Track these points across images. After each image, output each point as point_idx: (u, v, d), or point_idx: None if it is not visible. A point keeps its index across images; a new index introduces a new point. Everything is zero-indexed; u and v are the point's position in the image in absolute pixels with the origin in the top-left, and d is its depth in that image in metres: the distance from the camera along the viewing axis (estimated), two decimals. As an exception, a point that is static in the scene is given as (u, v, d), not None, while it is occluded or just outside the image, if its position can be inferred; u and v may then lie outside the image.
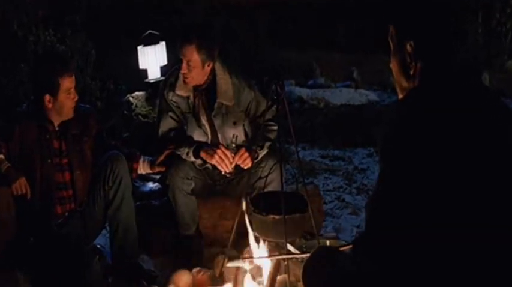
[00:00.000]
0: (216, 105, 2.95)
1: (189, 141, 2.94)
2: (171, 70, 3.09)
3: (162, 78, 4.64)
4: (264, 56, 8.09)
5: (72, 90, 2.68)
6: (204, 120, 2.96)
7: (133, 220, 2.83)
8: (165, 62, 4.75)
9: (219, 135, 2.99)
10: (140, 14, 6.75)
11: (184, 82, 2.91)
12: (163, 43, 4.76)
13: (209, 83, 2.95)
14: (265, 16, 8.54)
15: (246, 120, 3.04)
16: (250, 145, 2.98)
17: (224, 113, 2.98)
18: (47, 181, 2.67)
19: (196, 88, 2.96)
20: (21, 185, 2.53)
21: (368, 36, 8.92)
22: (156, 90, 4.51)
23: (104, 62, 5.63)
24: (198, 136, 2.99)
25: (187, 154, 2.91)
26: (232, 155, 2.86)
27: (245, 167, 2.89)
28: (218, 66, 2.95)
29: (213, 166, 3.00)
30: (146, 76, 4.83)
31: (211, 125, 2.99)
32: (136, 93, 4.91)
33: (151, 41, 4.70)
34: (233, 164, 2.87)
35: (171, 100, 2.99)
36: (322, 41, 9.28)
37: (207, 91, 2.97)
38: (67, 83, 2.64)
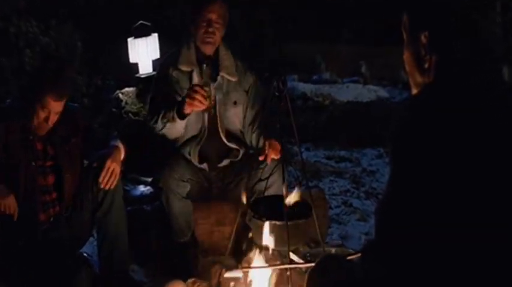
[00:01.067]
0: (218, 78, 3.01)
1: (171, 105, 2.94)
2: (170, 52, 3.15)
3: (154, 73, 4.65)
4: (265, 49, 8.10)
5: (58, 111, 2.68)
6: None
7: (124, 226, 2.82)
8: (158, 56, 4.75)
9: (218, 116, 3.00)
10: (134, 8, 6.76)
11: (207, 43, 2.97)
12: (155, 35, 4.75)
13: (213, 57, 3.04)
14: (267, 6, 8.54)
15: (246, 103, 3.08)
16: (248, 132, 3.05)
17: (225, 90, 3.03)
18: (31, 184, 2.67)
19: (202, 59, 3.02)
20: (9, 206, 2.53)
21: (378, 26, 8.93)
22: (147, 86, 4.50)
23: (92, 55, 5.63)
24: (194, 119, 2.99)
25: (173, 117, 2.91)
26: (205, 87, 2.82)
27: (276, 157, 2.88)
28: (221, 44, 3.05)
29: (210, 167, 3.00)
30: (137, 71, 4.83)
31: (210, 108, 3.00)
32: (126, 89, 4.91)
33: (143, 33, 4.70)
34: (207, 98, 2.81)
35: (171, 75, 3.04)
36: (327, 32, 9.28)
37: (210, 66, 3.04)
38: (56, 107, 2.64)
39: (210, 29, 2.96)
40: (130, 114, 4.71)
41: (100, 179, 2.67)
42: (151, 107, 3.05)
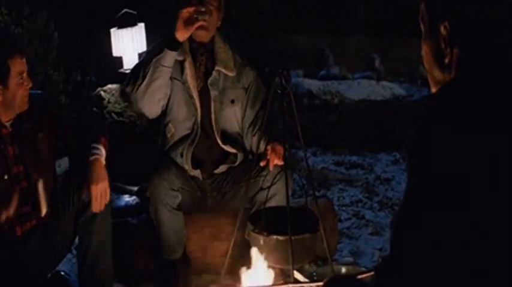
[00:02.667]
0: (213, 73, 3.02)
1: (154, 52, 2.95)
2: (160, 39, 3.13)
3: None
4: (267, 41, 8.10)
5: (25, 75, 2.68)
6: (195, 94, 2.99)
7: (109, 236, 2.83)
8: (144, 48, 4.75)
9: (212, 116, 3.02)
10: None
11: (201, 27, 2.93)
12: (141, 25, 4.75)
13: (208, 48, 3.04)
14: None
15: (245, 102, 3.09)
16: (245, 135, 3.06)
17: (222, 87, 3.04)
18: (5, 199, 2.66)
19: (196, 47, 3.02)
20: None
21: (393, 16, 8.94)
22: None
23: (70, 47, 5.64)
24: (186, 113, 3.00)
25: (166, 56, 2.89)
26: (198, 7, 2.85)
27: (279, 163, 2.89)
28: (217, 35, 3.05)
29: (204, 174, 3.01)
30: (121, 65, 4.83)
31: (203, 100, 3.02)
32: (109, 86, 4.90)
33: (128, 23, 4.69)
34: (207, 12, 2.86)
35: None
36: (336, 22, 9.29)
37: (206, 57, 3.04)
38: (18, 66, 2.63)
39: (202, 8, 2.92)
40: (113, 114, 4.70)
41: (93, 209, 2.71)
42: (129, 73, 3.02)
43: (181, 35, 2.86)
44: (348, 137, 5.70)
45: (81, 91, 5.37)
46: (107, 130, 2.96)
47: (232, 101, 3.06)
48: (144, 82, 2.90)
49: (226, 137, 3.07)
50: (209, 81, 3.01)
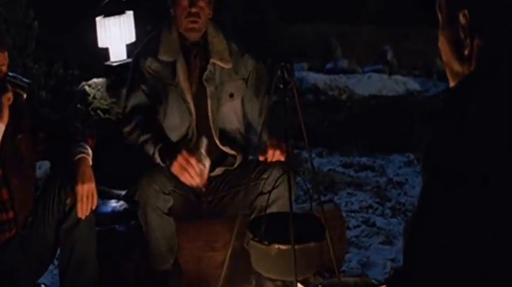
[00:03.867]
0: (208, 68, 3.05)
1: (157, 136, 2.97)
2: (148, 36, 3.21)
3: (129, 60, 4.64)
4: (268, 32, 8.10)
5: (5, 69, 2.68)
6: (189, 97, 3.01)
7: (93, 248, 2.84)
8: (133, 39, 4.75)
9: (210, 115, 3.03)
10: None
11: (191, 30, 3.03)
12: (130, 13, 4.75)
13: (201, 44, 3.09)
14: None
15: (248, 94, 3.11)
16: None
17: (219, 81, 3.06)
18: None
19: (188, 47, 3.07)
20: None
21: (407, 4, 8.94)
22: (120, 77, 4.49)
23: (51, 38, 5.64)
24: (180, 118, 3.01)
25: (153, 154, 2.94)
26: (200, 163, 2.84)
27: (281, 159, 2.90)
28: (210, 26, 3.11)
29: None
30: (107, 57, 4.83)
31: (199, 102, 3.03)
32: (94, 80, 4.90)
33: (115, 11, 4.69)
34: (201, 176, 2.85)
35: (150, 67, 3.08)
36: (345, 10, 9.29)
37: (198, 52, 3.09)
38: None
39: (193, 10, 3.01)
40: (99, 111, 4.70)
41: (78, 212, 2.71)
42: (127, 116, 3.09)
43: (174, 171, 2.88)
44: (357, 137, 5.71)
45: (64, 86, 5.37)
46: (94, 131, 2.97)
47: (231, 95, 3.08)
48: (137, 145, 3.01)
49: (225, 136, 3.08)
50: (204, 76, 3.03)
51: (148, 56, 3.08)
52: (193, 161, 2.83)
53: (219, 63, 3.06)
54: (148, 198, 2.89)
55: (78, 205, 2.70)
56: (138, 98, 3.08)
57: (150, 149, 2.96)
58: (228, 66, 3.07)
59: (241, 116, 3.13)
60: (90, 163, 2.79)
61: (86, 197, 2.71)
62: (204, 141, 2.89)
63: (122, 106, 3.18)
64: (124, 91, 3.25)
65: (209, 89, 3.04)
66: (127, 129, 3.06)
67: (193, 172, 2.83)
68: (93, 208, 2.75)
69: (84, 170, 2.74)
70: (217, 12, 3.16)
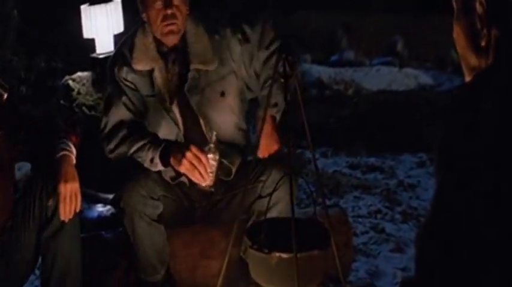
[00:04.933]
0: (190, 76, 2.99)
1: (153, 140, 2.95)
2: (122, 40, 3.15)
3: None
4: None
5: None
6: (172, 107, 2.99)
7: (77, 256, 2.84)
8: (121, 29, 4.75)
9: (202, 121, 3.00)
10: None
11: (169, 33, 2.95)
12: (118, 1, 4.76)
13: (180, 47, 3.02)
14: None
15: (240, 84, 3.06)
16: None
17: (204, 85, 3.01)
18: None
19: (166, 52, 3.01)
20: None
21: (418, -10, 8.94)
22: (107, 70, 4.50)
23: (32, 28, 5.64)
24: (165, 131, 3.00)
25: (152, 160, 2.92)
26: (211, 157, 2.84)
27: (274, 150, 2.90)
28: (188, 23, 3.02)
29: (189, 179, 3.01)
30: (93, 49, 4.83)
31: (185, 111, 3.00)
32: (79, 74, 4.90)
33: (101, -2, 4.70)
34: (212, 173, 2.85)
35: (126, 79, 3.02)
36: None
37: (176, 58, 3.03)
38: None
39: (169, 11, 2.90)
40: (84, 108, 4.71)
41: (60, 214, 2.70)
42: (109, 133, 3.04)
43: (180, 170, 2.87)
44: (365, 135, 5.71)
45: (46, 80, 5.37)
46: (79, 128, 2.97)
47: (222, 94, 3.03)
48: (128, 154, 2.99)
49: (222, 140, 3.03)
50: (186, 87, 2.98)
51: (123, 65, 3.02)
52: (203, 158, 2.81)
53: (201, 67, 2.99)
54: (134, 204, 2.88)
55: (61, 206, 2.70)
56: (119, 113, 3.03)
57: (148, 154, 2.92)
58: (212, 67, 3.00)
59: (239, 109, 3.10)
60: (74, 161, 2.79)
61: (69, 197, 2.71)
62: (214, 134, 2.87)
63: (101, 123, 3.09)
64: (103, 103, 3.21)
65: (193, 100, 2.99)
66: (111, 146, 3.02)
67: (203, 169, 2.81)
68: (77, 210, 2.74)
69: (66, 169, 2.73)
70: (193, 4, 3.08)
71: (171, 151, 2.89)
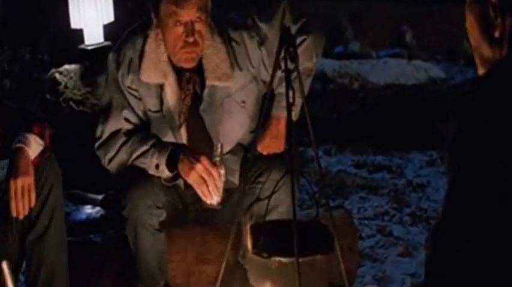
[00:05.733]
0: (206, 92, 2.93)
1: (158, 144, 2.91)
2: (128, 36, 3.04)
3: (107, 43, 4.63)
4: (267, 9, 8.10)
5: None
6: (179, 127, 2.95)
7: (64, 261, 2.83)
8: (111, 19, 4.75)
9: (213, 135, 2.95)
10: None
11: (188, 61, 2.86)
12: (108, -12, 4.75)
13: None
14: None
15: (260, 88, 3.01)
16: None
17: (222, 98, 2.95)
18: None
19: (180, 71, 2.93)
20: None
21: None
22: (96, 62, 4.49)
23: (17, 18, 5.63)
24: (163, 136, 2.98)
25: (158, 167, 2.88)
26: (221, 173, 2.80)
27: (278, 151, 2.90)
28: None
29: (186, 184, 3.00)
30: (81, 40, 4.83)
31: (194, 132, 2.99)
32: (66, 66, 4.90)
33: (90, -14, 4.70)
34: (220, 188, 2.82)
35: (130, 88, 2.97)
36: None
37: (191, 76, 2.95)
38: None
39: (190, 39, 2.79)
40: (71, 102, 4.70)
41: (12, 212, 2.67)
42: (106, 141, 2.98)
43: (187, 180, 2.84)
44: (371, 132, 5.71)
45: (31, 73, 5.36)
46: (46, 115, 2.92)
47: (244, 102, 2.99)
48: (119, 161, 2.95)
49: (231, 143, 3.02)
50: (201, 107, 2.93)
51: (129, 73, 2.94)
52: (215, 173, 2.76)
53: (218, 83, 2.92)
54: (140, 215, 2.85)
55: (12, 203, 2.66)
56: (118, 122, 2.98)
57: (153, 161, 2.87)
58: (229, 83, 2.93)
59: (256, 114, 3.04)
60: (29, 154, 2.72)
61: (21, 193, 2.68)
62: (219, 148, 2.81)
63: (97, 130, 3.03)
64: (101, 98, 3.16)
65: (207, 119, 2.95)
66: (110, 155, 2.96)
67: (212, 185, 2.77)
68: (31, 206, 2.70)
69: (18, 163, 2.68)
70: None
71: (179, 157, 2.85)
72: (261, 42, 2.98)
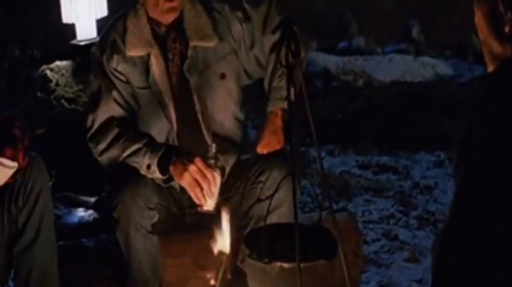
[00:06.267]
0: (189, 53, 2.99)
1: (150, 143, 2.92)
2: (108, 25, 3.11)
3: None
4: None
5: None
6: (167, 98, 2.98)
7: (54, 266, 2.84)
8: (105, 13, 4.75)
9: (198, 110, 2.99)
10: None
11: (170, 10, 2.93)
12: (101, -19, 4.76)
13: (177, 24, 3.01)
14: None
15: (239, 67, 3.06)
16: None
17: (202, 66, 3.00)
18: None
19: (163, 34, 3.00)
20: None
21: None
22: (89, 59, 4.49)
23: (5, 13, 5.63)
24: (156, 128, 3.00)
25: (149, 167, 2.90)
26: (215, 175, 2.80)
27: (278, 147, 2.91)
28: None
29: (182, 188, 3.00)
30: (73, 36, 4.83)
31: (181, 101, 3.01)
32: (57, 63, 4.90)
33: (82, -22, 4.70)
34: (214, 192, 2.81)
35: (116, 70, 3.01)
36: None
37: (176, 36, 3.02)
38: None
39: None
40: (63, 101, 4.71)
41: None
42: (98, 131, 3.01)
43: (180, 183, 2.86)
44: (376, 131, 5.71)
45: (21, 70, 5.37)
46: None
47: (223, 76, 3.04)
48: (110, 156, 2.96)
49: (218, 133, 3.03)
50: (185, 66, 2.98)
51: (113, 53, 3.00)
52: (209, 175, 2.77)
53: (202, 43, 2.99)
54: (131, 216, 2.86)
55: None
56: (108, 108, 3.01)
57: (144, 160, 2.88)
58: (212, 43, 3.00)
59: (238, 96, 3.09)
60: None
61: None
62: (213, 147, 2.81)
63: (88, 120, 3.05)
64: (90, 88, 3.18)
65: (192, 80, 2.99)
66: (101, 146, 2.98)
67: (207, 188, 2.78)
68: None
69: None
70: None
71: (171, 158, 2.87)
72: (244, 20, 3.04)
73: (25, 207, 2.74)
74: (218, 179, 2.80)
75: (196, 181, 2.78)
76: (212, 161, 2.80)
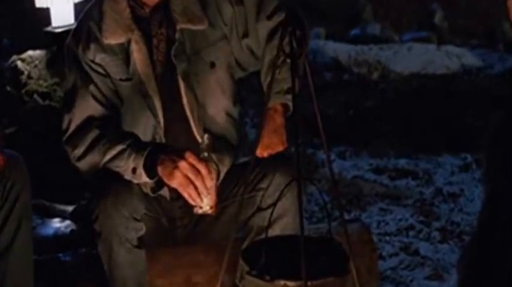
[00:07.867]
0: (177, 36, 2.98)
1: (135, 144, 2.92)
2: (83, 12, 3.11)
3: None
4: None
5: None
6: (151, 89, 2.98)
7: (29, 282, 2.85)
8: (84, -4, 4.76)
9: (185, 101, 3.00)
10: None
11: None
12: (79, -40, 4.77)
13: (160, 5, 3.01)
14: None
15: (231, 56, 3.07)
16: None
17: (191, 52, 3.01)
18: None
19: (147, 20, 3.00)
20: None
21: None
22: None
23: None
24: (140, 125, 2.99)
25: (134, 171, 2.88)
26: (211, 169, 2.80)
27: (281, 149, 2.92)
28: None
29: (171, 193, 3.00)
30: (48, 22, 4.84)
31: (167, 91, 3.01)
32: (30, 53, 4.92)
33: (58, -43, 4.71)
34: (211, 188, 2.81)
35: (93, 62, 3.01)
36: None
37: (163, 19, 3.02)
38: None
39: None
40: (36, 96, 4.72)
41: None
42: (74, 134, 2.99)
43: (170, 184, 2.82)
44: (394, 132, 5.71)
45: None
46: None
47: (213, 65, 3.04)
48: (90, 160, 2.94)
49: (210, 127, 3.03)
50: (172, 52, 2.98)
51: (89, 43, 2.99)
52: (203, 169, 2.73)
53: (189, 26, 2.99)
54: (115, 228, 2.84)
55: None
56: (86, 106, 2.99)
57: (129, 163, 2.86)
58: (202, 26, 3.01)
59: (230, 88, 3.09)
60: None
61: None
62: (206, 139, 2.78)
63: (63, 122, 3.03)
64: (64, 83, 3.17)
65: (180, 67, 2.99)
66: (78, 151, 2.96)
67: (201, 185, 2.75)
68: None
69: None
70: None
71: (158, 158, 2.86)
72: (235, 2, 3.04)
73: (3, 207, 2.76)
74: (214, 173, 2.77)
75: (189, 178, 2.76)
76: (205, 154, 2.76)
